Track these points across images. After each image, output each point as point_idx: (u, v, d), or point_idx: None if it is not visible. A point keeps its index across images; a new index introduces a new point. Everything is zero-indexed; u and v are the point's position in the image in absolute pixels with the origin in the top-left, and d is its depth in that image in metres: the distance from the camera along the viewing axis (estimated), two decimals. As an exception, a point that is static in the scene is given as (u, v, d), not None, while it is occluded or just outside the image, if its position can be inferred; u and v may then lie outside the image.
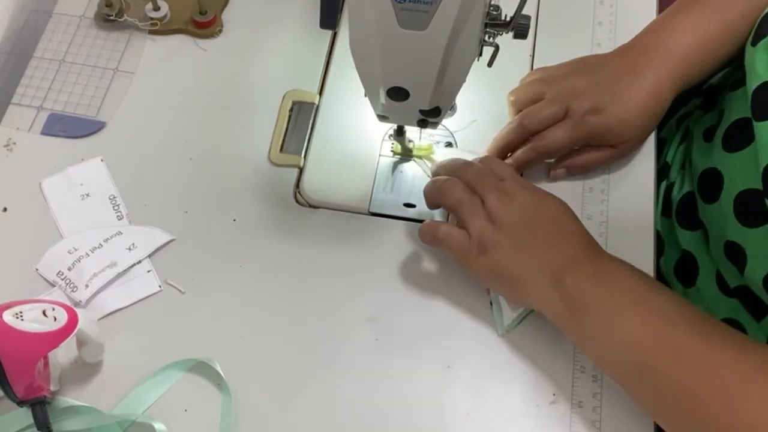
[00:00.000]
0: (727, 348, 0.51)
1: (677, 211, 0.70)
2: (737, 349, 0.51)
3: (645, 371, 0.53)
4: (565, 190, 0.68)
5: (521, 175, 0.67)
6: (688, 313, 0.54)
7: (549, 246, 0.57)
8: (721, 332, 0.53)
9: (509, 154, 0.67)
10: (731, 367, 0.50)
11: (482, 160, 0.64)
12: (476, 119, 0.70)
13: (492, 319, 0.62)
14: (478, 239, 0.59)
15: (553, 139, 0.64)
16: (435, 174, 0.66)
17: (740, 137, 0.61)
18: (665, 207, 0.72)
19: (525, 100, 0.67)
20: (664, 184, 0.73)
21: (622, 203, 0.67)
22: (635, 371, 0.54)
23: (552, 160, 0.68)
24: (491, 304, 0.63)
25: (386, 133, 0.70)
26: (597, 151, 0.66)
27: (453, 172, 0.63)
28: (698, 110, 0.75)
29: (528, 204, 0.59)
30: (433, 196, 0.63)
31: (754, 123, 0.58)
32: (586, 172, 0.68)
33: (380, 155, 0.70)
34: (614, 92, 0.63)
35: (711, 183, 0.64)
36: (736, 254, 0.61)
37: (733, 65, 0.68)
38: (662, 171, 0.74)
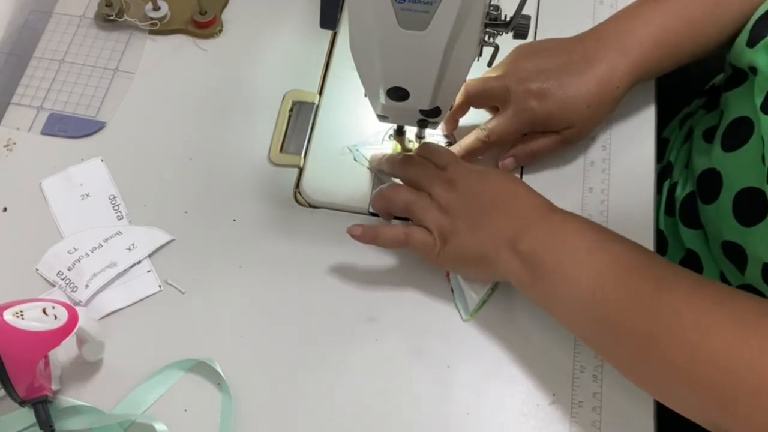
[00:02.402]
0: (681, 289, 0.52)
1: (680, 210, 0.70)
2: (692, 289, 0.52)
3: (604, 321, 0.54)
4: (566, 189, 0.68)
5: None
6: (643, 259, 0.54)
7: (501, 217, 0.58)
8: (676, 274, 0.53)
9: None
10: (686, 306, 0.51)
11: (420, 150, 0.65)
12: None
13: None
14: (438, 231, 0.60)
15: (495, 129, 0.65)
16: (376, 166, 0.67)
17: (738, 136, 0.61)
18: (669, 206, 0.72)
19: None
20: (667, 184, 0.73)
21: (622, 203, 0.67)
22: (596, 323, 0.54)
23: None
24: (452, 290, 0.63)
25: (386, 133, 0.70)
26: (543, 138, 0.66)
27: (393, 171, 0.65)
28: (701, 110, 0.75)
29: (472, 184, 0.60)
30: (382, 206, 0.64)
31: (762, 117, 0.57)
32: (534, 160, 0.68)
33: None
34: (561, 77, 0.63)
35: (710, 183, 0.64)
36: (735, 254, 0.61)
37: (729, 66, 0.68)
38: (665, 170, 0.74)
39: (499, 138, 0.65)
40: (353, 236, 0.62)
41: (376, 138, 0.70)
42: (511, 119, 0.64)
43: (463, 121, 0.69)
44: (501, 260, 0.58)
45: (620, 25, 0.66)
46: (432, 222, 0.60)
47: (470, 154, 0.66)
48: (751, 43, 0.61)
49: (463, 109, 0.67)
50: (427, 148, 0.65)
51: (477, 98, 0.66)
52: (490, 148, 0.66)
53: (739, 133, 0.61)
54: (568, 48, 0.65)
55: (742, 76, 0.64)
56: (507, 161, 0.67)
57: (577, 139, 0.67)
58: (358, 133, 0.70)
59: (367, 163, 0.69)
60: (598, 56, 0.64)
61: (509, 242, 0.57)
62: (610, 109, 0.66)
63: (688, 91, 0.68)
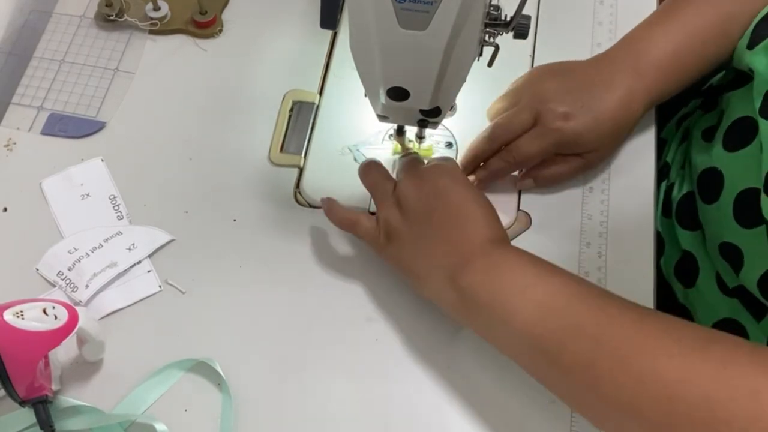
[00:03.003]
0: (624, 319, 0.50)
1: (677, 211, 0.70)
2: (636, 320, 0.50)
3: (547, 354, 0.52)
4: (566, 190, 0.68)
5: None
6: (583, 291, 0.53)
7: (447, 241, 0.57)
8: (618, 305, 0.52)
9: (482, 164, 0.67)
10: (631, 336, 0.49)
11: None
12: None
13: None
14: (384, 226, 0.60)
15: (522, 150, 0.64)
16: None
17: (741, 136, 0.61)
18: (665, 207, 0.72)
19: (501, 113, 0.66)
20: (664, 185, 0.73)
21: (622, 203, 0.67)
22: (538, 356, 0.53)
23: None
24: None
25: (386, 133, 0.70)
26: (565, 162, 0.66)
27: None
28: (698, 110, 0.75)
29: (437, 191, 0.58)
30: (359, 177, 0.64)
31: (761, 121, 0.57)
32: (553, 184, 0.67)
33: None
34: (586, 99, 0.63)
35: (711, 183, 0.64)
36: (732, 255, 0.61)
37: (729, 67, 0.68)
38: (662, 171, 0.74)
39: (525, 159, 0.64)
40: (321, 203, 0.64)
41: (377, 138, 0.70)
42: (538, 141, 0.63)
43: (468, 128, 0.69)
44: (435, 287, 0.57)
45: (633, 48, 0.65)
46: (383, 213, 0.60)
47: (494, 176, 0.66)
48: (751, 45, 0.61)
49: (490, 150, 0.66)
50: (437, 158, 0.64)
51: (510, 138, 0.65)
52: (514, 168, 0.66)
53: (742, 133, 0.61)
54: (587, 71, 0.65)
55: (744, 77, 0.64)
56: (526, 182, 0.67)
57: (598, 163, 0.67)
58: (358, 133, 0.70)
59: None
60: (616, 80, 0.64)
61: (447, 272, 0.56)
62: (628, 133, 0.66)
63: (685, 92, 0.68)
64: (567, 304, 0.52)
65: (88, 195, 0.68)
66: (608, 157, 0.68)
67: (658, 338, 0.49)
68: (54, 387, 0.58)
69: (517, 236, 0.66)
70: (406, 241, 0.58)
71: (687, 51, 0.65)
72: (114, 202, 0.68)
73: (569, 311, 0.52)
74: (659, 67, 0.64)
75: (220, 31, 0.76)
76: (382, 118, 0.64)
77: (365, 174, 0.63)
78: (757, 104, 0.58)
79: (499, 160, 0.65)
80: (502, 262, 0.55)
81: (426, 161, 0.64)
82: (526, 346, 0.53)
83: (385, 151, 0.69)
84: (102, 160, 0.70)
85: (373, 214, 0.66)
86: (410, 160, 0.63)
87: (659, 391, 0.47)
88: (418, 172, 0.60)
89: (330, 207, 0.63)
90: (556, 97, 0.63)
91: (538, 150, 0.64)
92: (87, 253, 0.65)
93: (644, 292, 0.63)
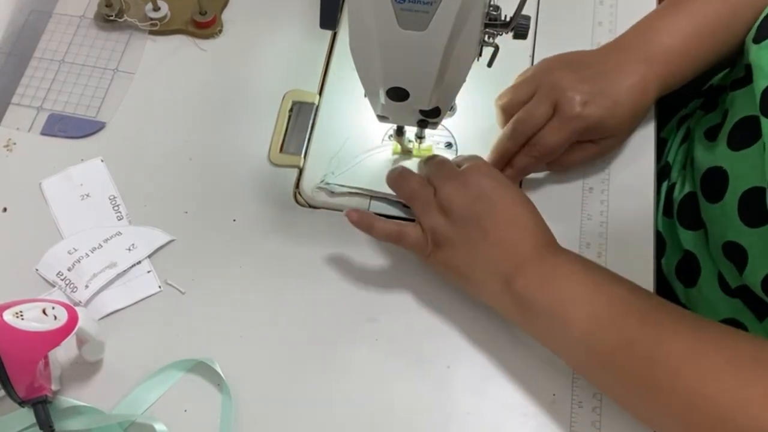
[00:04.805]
0: (678, 336, 0.52)
1: (678, 211, 0.70)
2: (689, 335, 0.51)
3: (601, 364, 0.54)
4: (566, 189, 0.68)
5: (520, 183, 0.67)
6: (639, 303, 0.54)
7: (499, 245, 0.57)
8: (673, 319, 0.53)
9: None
10: (685, 353, 0.51)
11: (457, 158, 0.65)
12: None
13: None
14: (432, 234, 0.59)
15: (546, 143, 0.63)
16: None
17: (746, 135, 0.61)
18: (667, 207, 0.72)
19: (515, 104, 0.65)
20: (665, 185, 0.73)
21: (622, 203, 0.67)
22: (592, 363, 0.55)
23: None
24: None
25: (386, 133, 0.70)
26: (579, 150, 0.65)
27: (419, 169, 0.65)
28: (699, 110, 0.75)
29: (482, 194, 0.58)
30: (391, 186, 0.64)
31: (762, 119, 0.57)
32: (565, 170, 0.68)
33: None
34: (602, 86, 0.63)
35: (715, 182, 0.63)
36: (735, 254, 0.61)
37: (732, 64, 0.68)
38: (663, 171, 0.74)
39: (550, 151, 0.63)
40: (350, 220, 0.61)
41: (339, 161, 0.69)
42: (561, 130, 0.63)
43: (469, 128, 0.69)
44: (490, 290, 0.58)
45: (643, 36, 0.66)
46: (428, 222, 0.59)
47: (523, 173, 0.65)
48: (757, 39, 0.61)
49: (516, 147, 0.65)
50: (463, 157, 0.64)
51: (533, 132, 0.64)
52: (541, 162, 0.65)
53: (747, 131, 0.61)
54: (598, 60, 0.65)
55: (749, 75, 0.64)
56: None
57: (612, 149, 0.67)
58: (358, 133, 0.70)
59: (346, 189, 0.68)
60: (629, 67, 0.64)
61: (503, 276, 0.57)
62: (642, 119, 0.66)
63: (685, 91, 0.68)
64: (623, 318, 0.53)
65: (87, 195, 0.68)
66: (620, 144, 0.68)
67: (710, 356, 0.50)
68: (54, 387, 0.58)
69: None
70: (457, 246, 0.58)
71: (695, 41, 0.65)
72: (114, 202, 0.68)
73: (623, 326, 0.53)
74: (668, 56, 0.64)
75: (220, 31, 0.76)
76: (382, 118, 0.64)
77: (400, 183, 0.62)
78: (758, 100, 0.58)
79: (525, 156, 0.64)
80: (557, 269, 0.56)
81: (452, 160, 0.64)
82: (580, 353, 0.55)
83: (385, 151, 0.69)
84: (102, 161, 0.70)
85: (382, 216, 0.65)
86: (440, 162, 0.63)
87: (708, 408, 0.49)
88: (456, 175, 0.60)
89: (371, 223, 0.61)
90: (572, 85, 0.63)
91: (562, 140, 0.63)
92: (87, 254, 0.65)
93: (644, 292, 0.63)
